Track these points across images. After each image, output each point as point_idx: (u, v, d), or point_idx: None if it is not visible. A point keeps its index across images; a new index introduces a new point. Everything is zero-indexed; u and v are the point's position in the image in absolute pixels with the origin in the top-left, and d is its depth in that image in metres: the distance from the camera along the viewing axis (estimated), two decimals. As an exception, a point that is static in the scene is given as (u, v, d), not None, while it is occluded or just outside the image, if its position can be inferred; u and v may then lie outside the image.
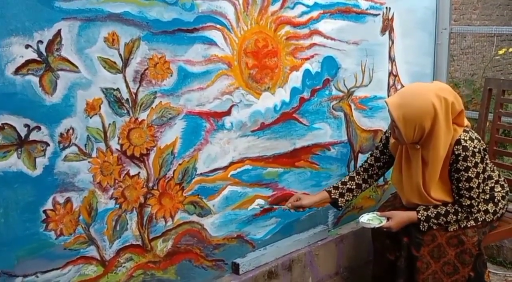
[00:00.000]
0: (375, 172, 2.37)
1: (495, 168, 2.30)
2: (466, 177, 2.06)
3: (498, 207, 2.21)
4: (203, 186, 2.04)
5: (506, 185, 2.29)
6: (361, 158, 2.71)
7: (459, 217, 2.10)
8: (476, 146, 2.06)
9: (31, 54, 1.52)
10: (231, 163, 2.13)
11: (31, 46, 1.52)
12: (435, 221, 2.10)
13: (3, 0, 1.45)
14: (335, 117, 2.53)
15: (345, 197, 2.33)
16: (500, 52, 6.49)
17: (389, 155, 2.34)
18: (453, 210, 2.11)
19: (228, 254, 2.18)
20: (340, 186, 2.34)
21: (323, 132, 2.48)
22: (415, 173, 2.15)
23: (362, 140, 2.70)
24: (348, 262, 2.65)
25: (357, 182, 2.35)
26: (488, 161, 2.17)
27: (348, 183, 2.35)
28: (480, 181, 2.08)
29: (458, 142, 2.05)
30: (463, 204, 2.09)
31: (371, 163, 2.37)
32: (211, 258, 2.12)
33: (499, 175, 2.29)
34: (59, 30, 1.57)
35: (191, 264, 2.06)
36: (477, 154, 2.05)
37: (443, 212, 2.11)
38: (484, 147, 2.11)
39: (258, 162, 2.23)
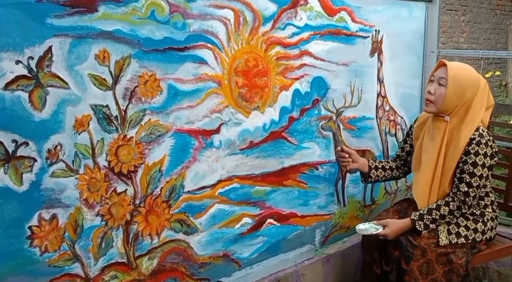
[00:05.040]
0: (401, 162, 2.52)
1: (492, 190, 2.34)
2: (473, 160, 2.13)
3: (487, 228, 2.24)
4: (190, 204, 2.04)
5: (497, 210, 2.33)
6: (349, 177, 2.72)
7: (451, 206, 2.15)
8: (490, 139, 2.17)
9: (21, 70, 1.52)
10: (219, 181, 2.13)
11: (21, 62, 1.52)
12: (429, 217, 2.15)
13: (-6, 16, 1.46)
14: (323, 137, 2.55)
15: (378, 172, 2.48)
16: (487, 75, 6.60)
17: (411, 144, 2.44)
18: (443, 202, 2.17)
19: (214, 273, 2.17)
20: (377, 161, 2.53)
21: (311, 152, 2.50)
22: (437, 148, 2.21)
23: (350, 160, 2.71)
24: (335, 282, 2.65)
25: (391, 165, 2.52)
26: (493, 170, 2.25)
27: (383, 162, 2.53)
28: (484, 174, 2.14)
29: (476, 129, 2.17)
30: (461, 189, 2.15)
31: (398, 153, 2.56)
32: (197, 277, 2.11)
33: (495, 198, 2.33)
34: (50, 47, 1.57)
35: (176, 283, 2.04)
36: (489, 147, 2.14)
37: (434, 206, 2.17)
38: (496, 150, 2.19)
39: (246, 180, 2.23)
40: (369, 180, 2.49)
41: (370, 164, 2.47)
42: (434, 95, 2.19)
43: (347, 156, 2.42)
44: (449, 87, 2.15)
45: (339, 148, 2.47)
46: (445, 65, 2.19)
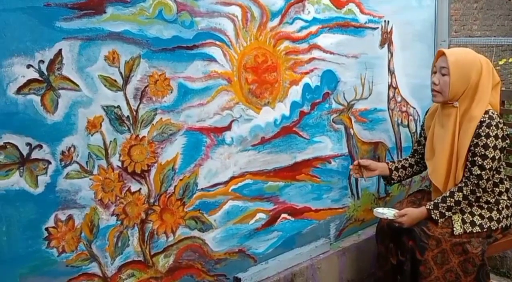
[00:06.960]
0: (420, 157, 2.50)
1: (507, 177, 2.32)
2: (484, 142, 2.12)
3: (502, 216, 2.22)
4: (204, 201, 2.05)
5: None
6: (362, 170, 2.71)
7: (464, 191, 2.14)
8: (501, 122, 2.16)
9: (33, 74, 1.54)
10: (232, 178, 2.14)
11: (32, 66, 1.54)
12: (444, 205, 2.15)
13: (4, 21, 1.48)
14: (335, 130, 2.54)
15: (399, 172, 2.48)
16: (501, 62, 6.50)
17: (425, 137, 2.43)
18: (456, 188, 2.17)
19: (230, 269, 2.18)
20: (396, 161, 2.53)
21: (323, 146, 2.50)
22: (450, 134, 2.22)
23: (363, 152, 2.71)
24: (351, 275, 2.64)
25: (410, 162, 2.52)
26: (504, 154, 2.22)
27: (402, 161, 2.53)
28: (496, 156, 2.13)
29: (486, 112, 2.16)
30: (473, 173, 2.14)
31: (415, 148, 2.55)
32: (213, 273, 2.13)
33: (510, 185, 2.32)
34: (60, 50, 1.59)
35: (193, 280, 2.06)
36: (500, 129, 2.14)
37: (448, 194, 2.17)
38: (507, 133, 2.19)
39: (259, 176, 2.24)
40: (392, 181, 2.50)
41: (390, 166, 2.47)
42: (439, 85, 2.20)
43: (359, 174, 2.43)
44: (452, 74, 2.16)
45: (356, 162, 2.44)
46: (444, 54, 2.20)
